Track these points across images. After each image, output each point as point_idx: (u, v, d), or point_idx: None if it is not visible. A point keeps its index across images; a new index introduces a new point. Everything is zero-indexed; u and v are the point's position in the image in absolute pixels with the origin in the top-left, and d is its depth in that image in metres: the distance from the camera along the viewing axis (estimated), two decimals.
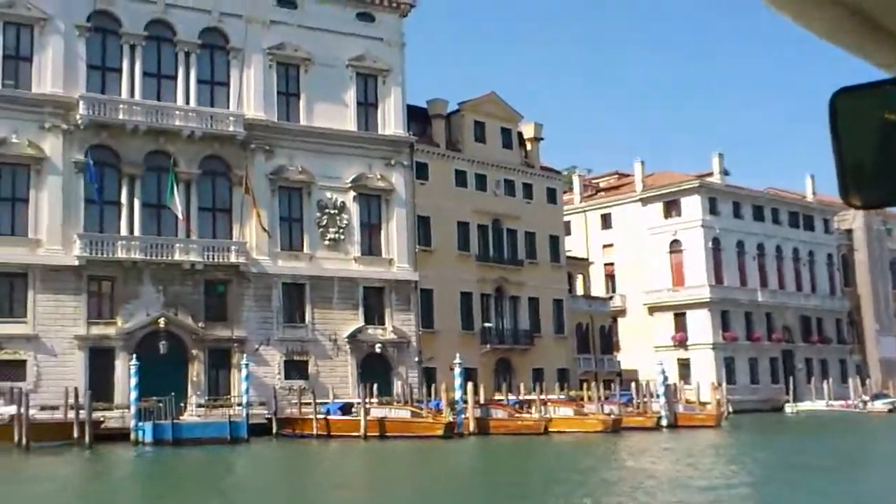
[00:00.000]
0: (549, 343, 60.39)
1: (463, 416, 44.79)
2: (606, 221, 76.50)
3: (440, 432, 42.48)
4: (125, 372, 43.13)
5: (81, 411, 39.46)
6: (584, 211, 77.59)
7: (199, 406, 45.32)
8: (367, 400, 44.78)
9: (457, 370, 46.04)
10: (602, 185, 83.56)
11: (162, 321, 45.71)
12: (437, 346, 52.97)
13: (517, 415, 47.47)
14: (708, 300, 69.61)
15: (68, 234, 45.11)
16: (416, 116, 57.25)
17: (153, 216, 47.62)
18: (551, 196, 63.46)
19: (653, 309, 72.22)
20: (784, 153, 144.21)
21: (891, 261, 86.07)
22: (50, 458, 35.46)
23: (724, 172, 76.25)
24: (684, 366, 68.63)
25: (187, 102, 49.04)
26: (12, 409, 39.04)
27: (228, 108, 49.95)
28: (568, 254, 66.10)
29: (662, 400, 49.74)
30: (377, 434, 42.81)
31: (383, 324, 51.93)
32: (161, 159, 47.73)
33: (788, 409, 66.01)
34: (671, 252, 72.33)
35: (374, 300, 52.04)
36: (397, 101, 54.84)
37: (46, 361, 43.68)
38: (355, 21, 54.01)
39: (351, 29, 53.64)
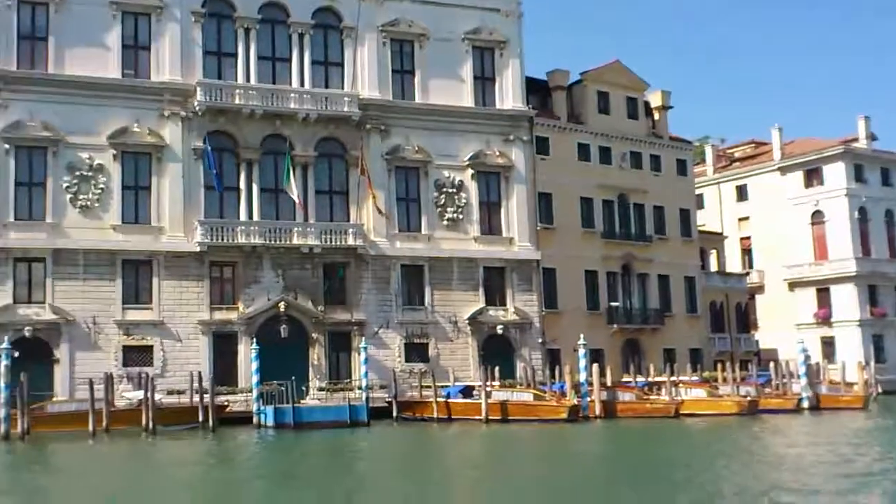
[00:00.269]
0: (680, 322, 57.90)
1: (588, 398, 43.11)
2: (742, 193, 73.00)
3: (564, 416, 40.95)
4: (248, 356, 43.33)
5: (206, 395, 39.73)
6: (718, 183, 74.28)
7: (320, 390, 45.11)
8: (488, 383, 43.65)
9: (581, 351, 44.36)
10: (737, 154, 79.88)
11: (282, 305, 45.66)
12: (560, 326, 51.36)
13: (646, 397, 45.45)
14: (854, 274, 65.56)
15: (190, 221, 45.47)
16: (536, 89, 55.58)
17: (271, 200, 47.59)
18: (681, 168, 60.72)
19: (793, 284, 68.54)
20: None
21: None
22: (175, 441, 35.64)
23: (871, 137, 71.61)
24: (828, 344, 64.89)
25: (302, 84, 48.71)
26: (140, 394, 39.52)
27: (343, 88, 49.40)
28: (700, 228, 63.24)
29: (804, 381, 46.84)
30: (499, 418, 41.60)
31: (505, 305, 50.59)
32: (277, 143, 47.60)
33: None
34: (813, 224, 68.41)
35: (494, 280, 50.72)
36: (515, 73, 53.21)
37: (172, 347, 44.24)
38: None
39: (466, 1, 52.23)
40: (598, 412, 42.86)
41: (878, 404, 49.46)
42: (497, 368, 46.43)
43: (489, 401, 41.89)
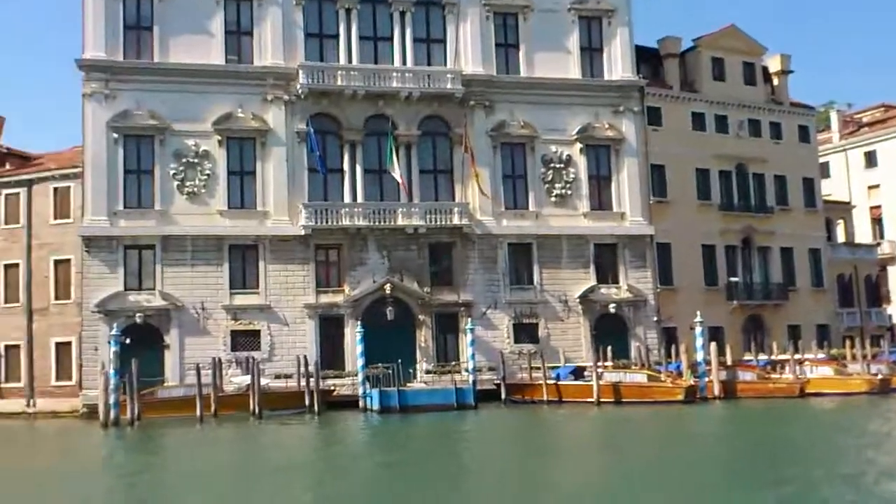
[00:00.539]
0: (805, 297, 54.99)
1: (706, 379, 41.25)
2: (871, 160, 69.04)
3: (680, 397, 39.26)
4: (354, 339, 42.87)
5: (311, 380, 39.56)
6: (845, 149, 70.41)
7: (428, 372, 44.44)
8: (600, 363, 42.22)
9: (698, 329, 42.54)
10: (865, 119, 75.59)
11: (388, 287, 45.12)
12: (677, 304, 49.32)
13: (768, 376, 43.22)
14: None
15: (294, 205, 45.33)
16: (646, 58, 53.38)
17: (375, 181, 47.05)
18: (804, 135, 57.59)
19: None
20: None
21: None
22: (279, 426, 35.48)
23: None
24: None
25: (404, 63, 47.95)
26: (248, 379, 39.62)
27: (445, 65, 48.41)
28: (825, 198, 59.91)
29: None
30: (611, 400, 40.13)
31: (617, 282, 48.88)
32: (380, 123, 46.99)
33: None
34: None
35: (606, 257, 49.05)
36: (624, 42, 51.20)
37: (279, 331, 44.24)
38: None
39: None
40: (716, 393, 41.10)
41: None
42: (609, 348, 44.90)
43: (601, 382, 40.45)
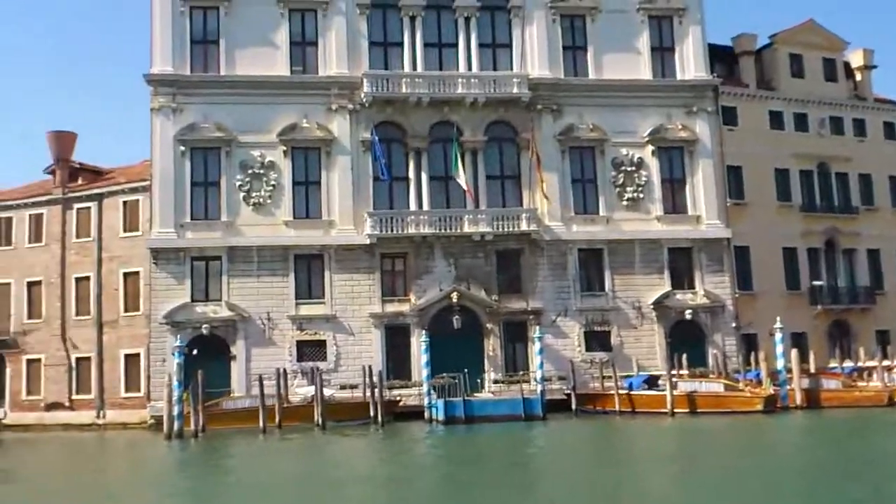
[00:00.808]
0: (894, 301, 52.35)
1: (787, 387, 39.46)
2: None
3: (759, 407, 37.60)
4: (420, 349, 42.15)
5: (377, 390, 39.02)
6: None
7: (496, 382, 43.50)
8: (675, 372, 40.75)
9: (777, 336, 40.77)
10: None
11: (454, 296, 44.37)
12: (756, 309, 47.43)
13: (854, 384, 41.17)
14: None
15: (359, 214, 44.96)
16: (720, 56, 51.76)
17: (441, 189, 46.41)
18: (889, 131, 55.02)
19: None
20: None
21: None
22: (340, 438, 34.94)
23: None
24: None
25: (469, 69, 47.28)
26: (313, 390, 39.28)
27: (511, 70, 47.57)
28: None
29: None
30: (686, 410, 38.62)
31: (693, 287, 47.22)
32: (446, 130, 46.38)
33: None
34: None
35: (681, 262, 47.46)
36: (696, 41, 49.66)
37: (344, 341, 43.88)
38: None
39: None
40: (798, 402, 39.28)
41: None
42: (685, 356, 43.35)
43: (675, 392, 39.00)
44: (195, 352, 40.71)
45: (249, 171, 44.62)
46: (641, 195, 47.68)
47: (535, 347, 42.27)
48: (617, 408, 40.21)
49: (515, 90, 46.84)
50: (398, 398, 41.22)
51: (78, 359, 45.64)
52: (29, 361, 46.41)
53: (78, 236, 46.84)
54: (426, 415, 39.61)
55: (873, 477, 19.79)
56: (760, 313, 46.67)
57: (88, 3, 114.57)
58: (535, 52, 47.98)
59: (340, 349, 43.68)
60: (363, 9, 46.89)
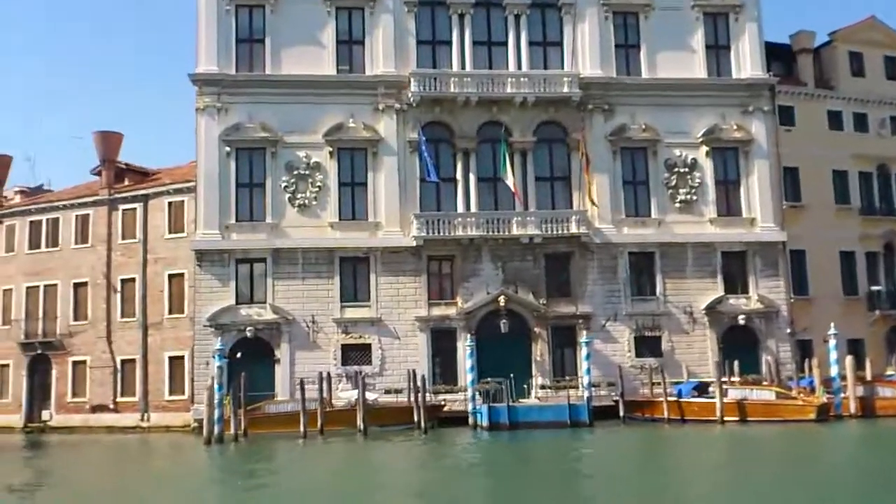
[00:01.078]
0: None
1: (841, 395, 38.10)
2: None
3: (812, 416, 36.39)
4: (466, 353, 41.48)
5: (420, 395, 38.44)
6: None
7: (542, 387, 42.65)
8: (726, 379, 39.59)
9: (831, 342, 39.46)
10: None
11: (502, 299, 43.55)
12: (812, 314, 45.97)
13: None
14: None
15: (406, 215, 44.35)
16: (777, 54, 50.30)
17: (489, 190, 45.64)
18: None
19: None
20: None
21: None
22: (381, 443, 34.45)
23: None
24: None
25: (519, 67, 46.41)
26: (356, 394, 38.82)
27: (562, 68, 46.61)
28: None
29: None
30: (736, 418, 37.49)
31: (747, 292, 45.86)
32: (494, 130, 45.55)
33: None
34: None
35: (734, 266, 46.16)
36: (753, 39, 48.26)
37: (390, 344, 43.29)
38: None
39: None
40: (853, 410, 37.91)
41: None
42: (736, 363, 42.17)
43: (725, 400, 37.85)
44: (239, 355, 40.50)
45: (295, 172, 44.23)
46: (694, 197, 46.47)
47: (582, 352, 41.35)
48: (665, 415, 39.18)
49: (566, 89, 45.88)
50: (443, 403, 40.61)
51: (123, 361, 45.66)
52: (75, 363, 46.57)
53: (124, 237, 46.88)
54: (470, 420, 38.92)
55: None
56: (816, 319, 45.24)
57: (135, 3, 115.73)
58: (586, 51, 46.99)
59: (385, 353, 43.12)
60: (411, 6, 46.24)
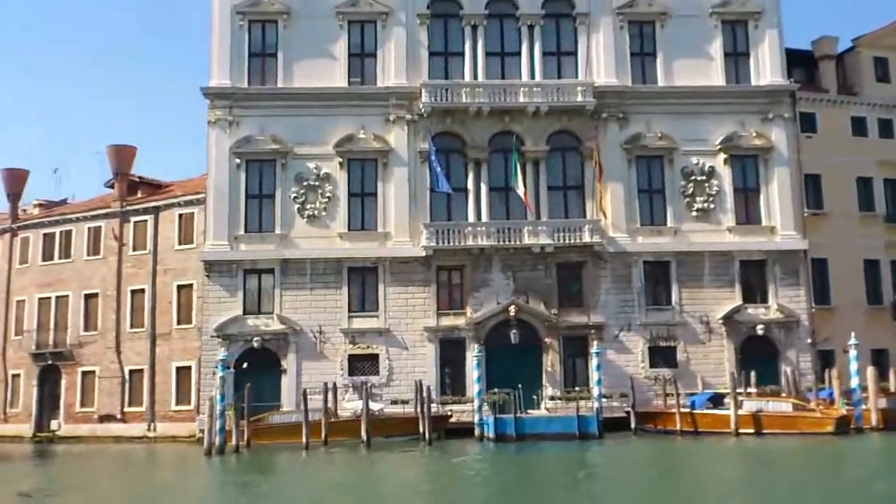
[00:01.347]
0: None
1: (861, 407, 36.78)
2: None
3: (830, 428, 35.17)
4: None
5: (426, 405, 37.79)
6: None
7: (553, 398, 41.79)
8: (741, 390, 38.44)
9: (852, 353, 38.16)
10: None
11: (512, 309, 42.88)
12: (834, 325, 44.56)
13: None
14: None
15: (416, 225, 43.96)
16: (798, 60, 49.22)
17: (501, 200, 45.16)
18: None
19: None
20: None
21: None
22: (382, 454, 33.81)
23: None
24: None
25: (532, 77, 45.95)
26: (361, 404, 38.27)
27: (576, 78, 46.02)
28: None
29: None
30: (751, 431, 36.32)
31: (766, 301, 44.70)
32: (506, 140, 45.09)
33: None
34: None
35: (753, 275, 45.04)
36: (773, 45, 47.30)
37: (398, 355, 42.84)
38: None
39: None
40: (874, 423, 36.56)
41: None
42: (753, 373, 40.99)
43: (740, 412, 36.72)
44: (245, 365, 40.24)
45: (305, 184, 44.10)
46: (712, 205, 45.50)
47: (593, 363, 40.47)
48: (678, 427, 38.12)
49: (580, 98, 45.31)
50: (449, 413, 39.97)
51: (131, 371, 45.74)
52: (84, 373, 46.78)
53: (135, 249, 47.11)
54: (476, 432, 38.15)
55: None
56: (838, 329, 43.80)
57: (151, 18, 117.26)
58: (601, 60, 46.40)
59: (393, 363, 42.63)
60: (423, 19, 46.11)
